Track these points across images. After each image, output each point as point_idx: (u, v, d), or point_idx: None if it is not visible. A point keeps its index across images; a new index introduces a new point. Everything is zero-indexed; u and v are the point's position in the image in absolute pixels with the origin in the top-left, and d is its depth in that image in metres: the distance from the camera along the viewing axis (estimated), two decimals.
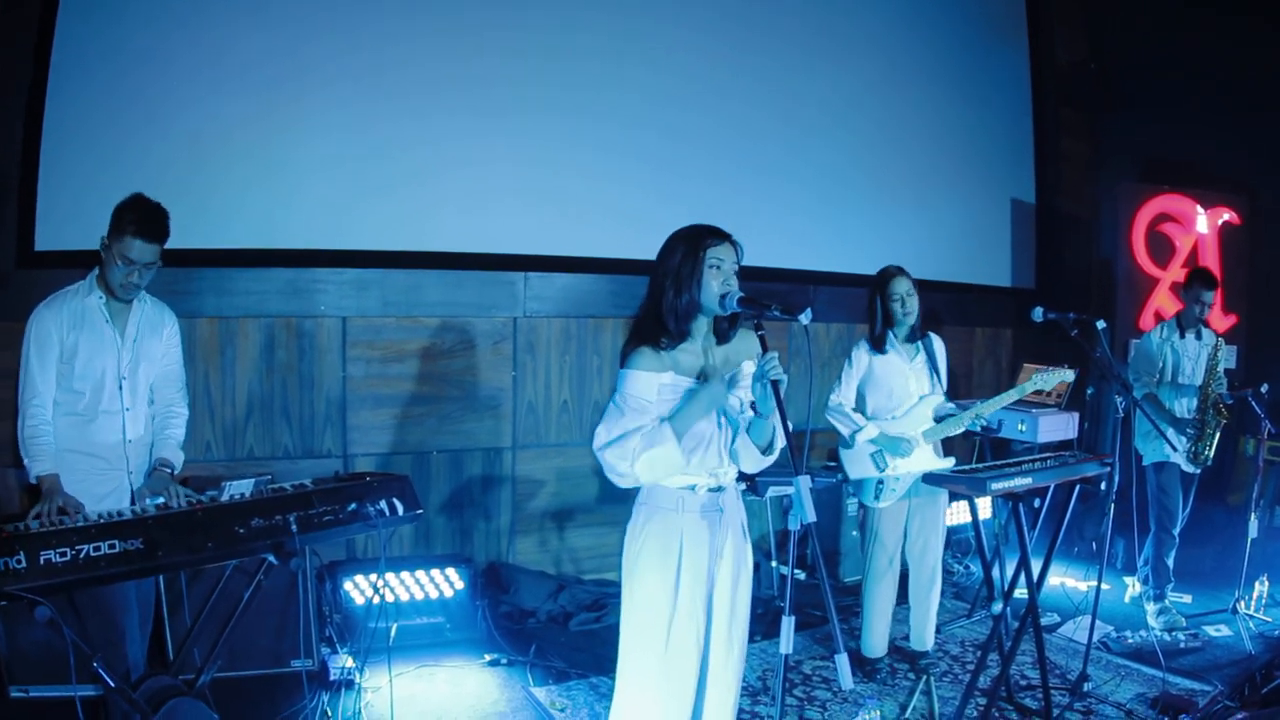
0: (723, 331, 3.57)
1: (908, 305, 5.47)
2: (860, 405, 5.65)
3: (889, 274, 5.55)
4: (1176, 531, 6.77)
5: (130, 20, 5.62)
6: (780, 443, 3.53)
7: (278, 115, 6.02)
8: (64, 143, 5.47)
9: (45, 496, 4.05)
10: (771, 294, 3.44)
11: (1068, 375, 5.52)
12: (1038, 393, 6.05)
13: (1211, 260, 8.80)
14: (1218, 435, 6.62)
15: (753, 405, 3.48)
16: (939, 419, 5.56)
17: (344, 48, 6.18)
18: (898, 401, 5.56)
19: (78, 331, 4.25)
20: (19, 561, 3.29)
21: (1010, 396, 5.59)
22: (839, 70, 8.12)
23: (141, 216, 4.20)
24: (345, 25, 6.19)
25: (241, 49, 5.90)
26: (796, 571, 3.19)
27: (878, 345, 5.56)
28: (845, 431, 5.56)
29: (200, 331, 5.94)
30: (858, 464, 5.59)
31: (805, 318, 3.23)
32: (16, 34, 5.43)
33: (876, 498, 5.57)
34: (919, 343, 5.62)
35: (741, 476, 3.72)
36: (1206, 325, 6.91)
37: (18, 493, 5.44)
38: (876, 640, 5.72)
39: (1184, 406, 6.74)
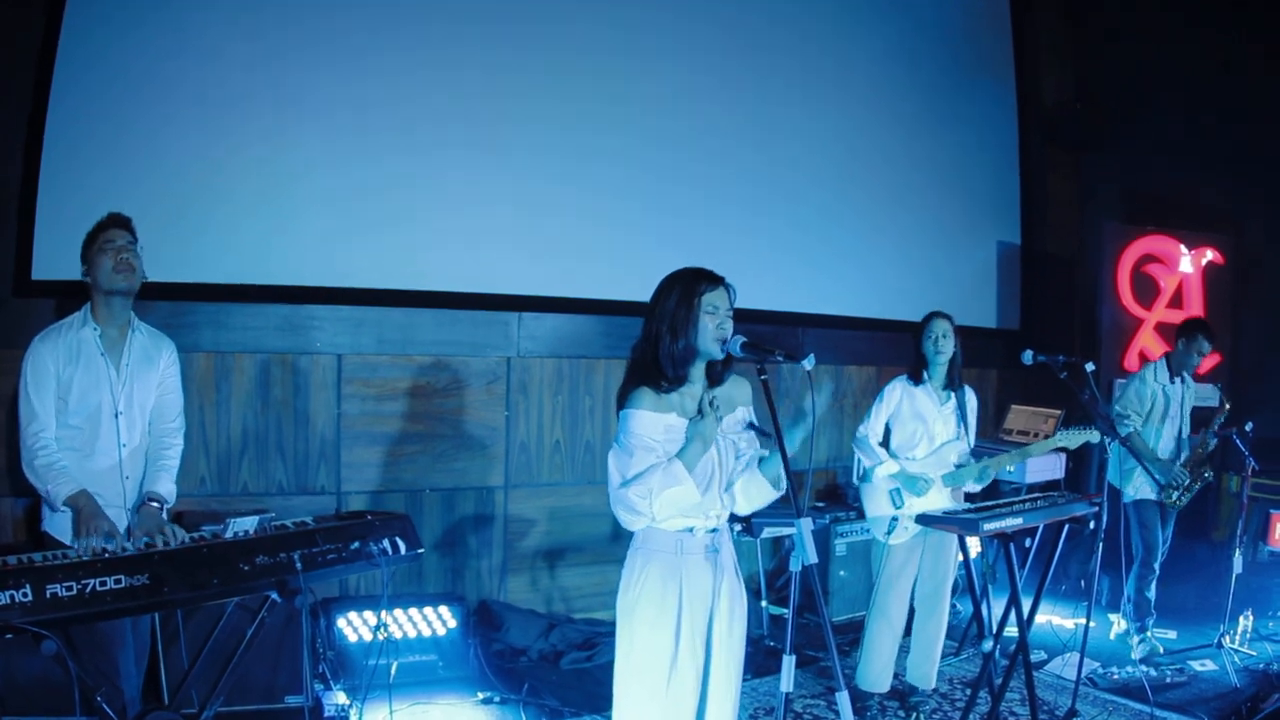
0: (716, 375, 3.60)
1: (940, 346, 5.60)
2: (886, 441, 5.73)
3: (930, 315, 5.72)
4: (1157, 564, 6.85)
5: (125, 54, 5.68)
6: (785, 478, 3.57)
7: (272, 147, 6.08)
8: (61, 173, 5.52)
9: (83, 518, 4.03)
10: (760, 336, 3.49)
11: (1093, 436, 5.57)
12: (1023, 433, 6.13)
13: (1196, 300, 8.94)
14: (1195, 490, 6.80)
15: (759, 429, 3.55)
16: (960, 466, 5.63)
17: (338, 81, 6.25)
18: (919, 440, 5.65)
19: (73, 365, 4.24)
20: (25, 594, 3.28)
21: (1035, 451, 5.71)
22: (828, 111, 8.23)
23: (108, 215, 4.35)
24: (341, 59, 6.26)
25: (234, 81, 5.96)
26: (780, 610, 3.24)
27: (914, 378, 5.69)
28: (866, 463, 5.65)
29: (197, 366, 5.95)
30: (875, 500, 5.67)
31: (809, 363, 3.28)
32: (17, 66, 5.50)
33: (889, 534, 5.62)
34: (952, 391, 5.70)
35: (734, 518, 3.76)
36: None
37: (10, 522, 5.43)
38: (875, 675, 5.73)
39: (1167, 448, 6.87)
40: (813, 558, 3.17)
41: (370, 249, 6.33)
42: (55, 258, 5.30)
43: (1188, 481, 6.74)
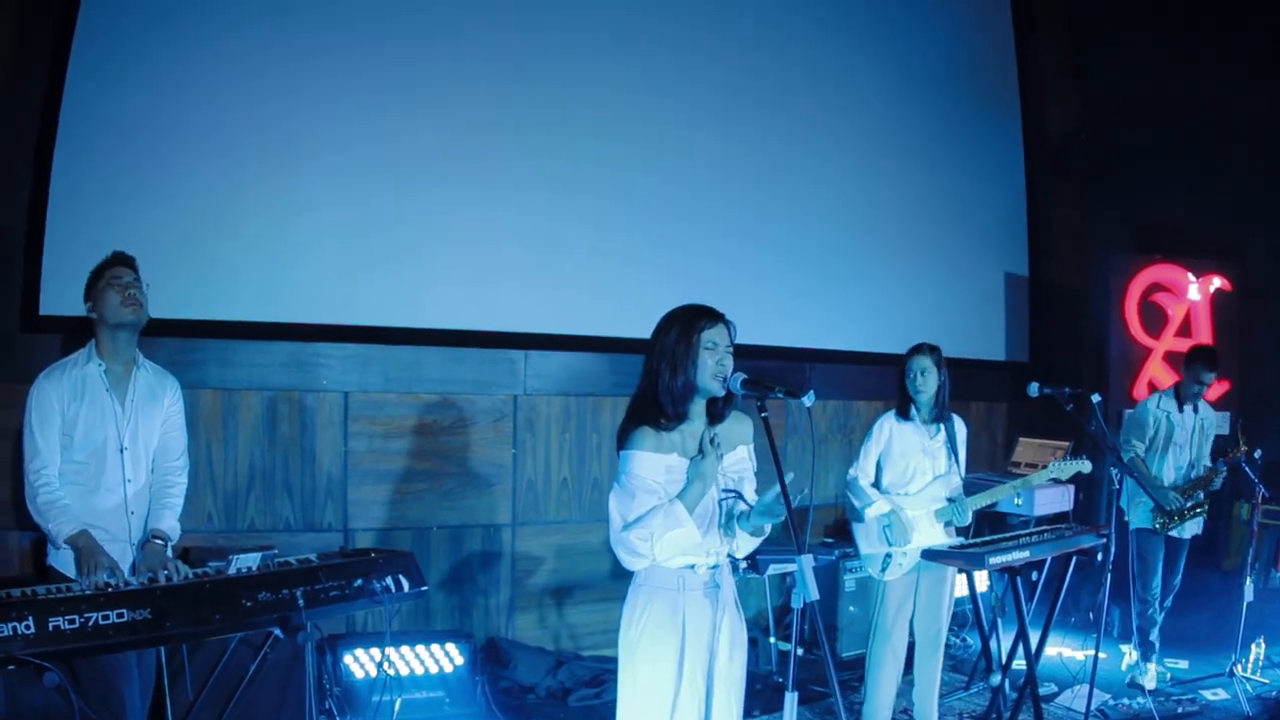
0: (717, 411, 3.61)
1: (919, 384, 5.57)
2: (878, 478, 5.72)
3: (912, 350, 5.69)
4: (1150, 596, 6.87)
5: (129, 92, 5.75)
6: (768, 525, 3.59)
7: (276, 185, 6.13)
8: (68, 210, 5.58)
9: (85, 556, 4.06)
10: (767, 372, 3.51)
11: (1085, 466, 5.59)
12: (1031, 465, 6.13)
13: (1204, 327, 8.92)
14: (1193, 519, 6.79)
15: (739, 495, 3.58)
16: (951, 500, 5.62)
17: (342, 118, 6.29)
18: (911, 475, 5.63)
19: (78, 402, 4.28)
20: (28, 627, 3.31)
21: (1029, 483, 5.71)
22: (835, 146, 8.27)
23: (113, 254, 4.41)
24: (344, 96, 6.31)
25: (238, 119, 6.01)
26: (789, 647, 3.25)
27: (901, 413, 5.68)
28: (857, 504, 5.63)
29: (203, 402, 5.98)
30: (868, 538, 5.65)
31: (808, 400, 3.30)
32: (23, 104, 5.58)
33: (883, 570, 5.60)
34: (940, 423, 5.70)
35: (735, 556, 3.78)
36: (1204, 400, 7.02)
37: (17, 555, 5.45)
38: (880, 710, 5.69)
39: (1171, 474, 6.88)
40: (814, 594, 3.18)
41: (376, 286, 6.37)
42: (62, 294, 5.34)
43: (1181, 505, 6.73)
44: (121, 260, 4.40)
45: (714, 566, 3.60)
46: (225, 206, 5.98)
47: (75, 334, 4.57)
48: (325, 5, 6.29)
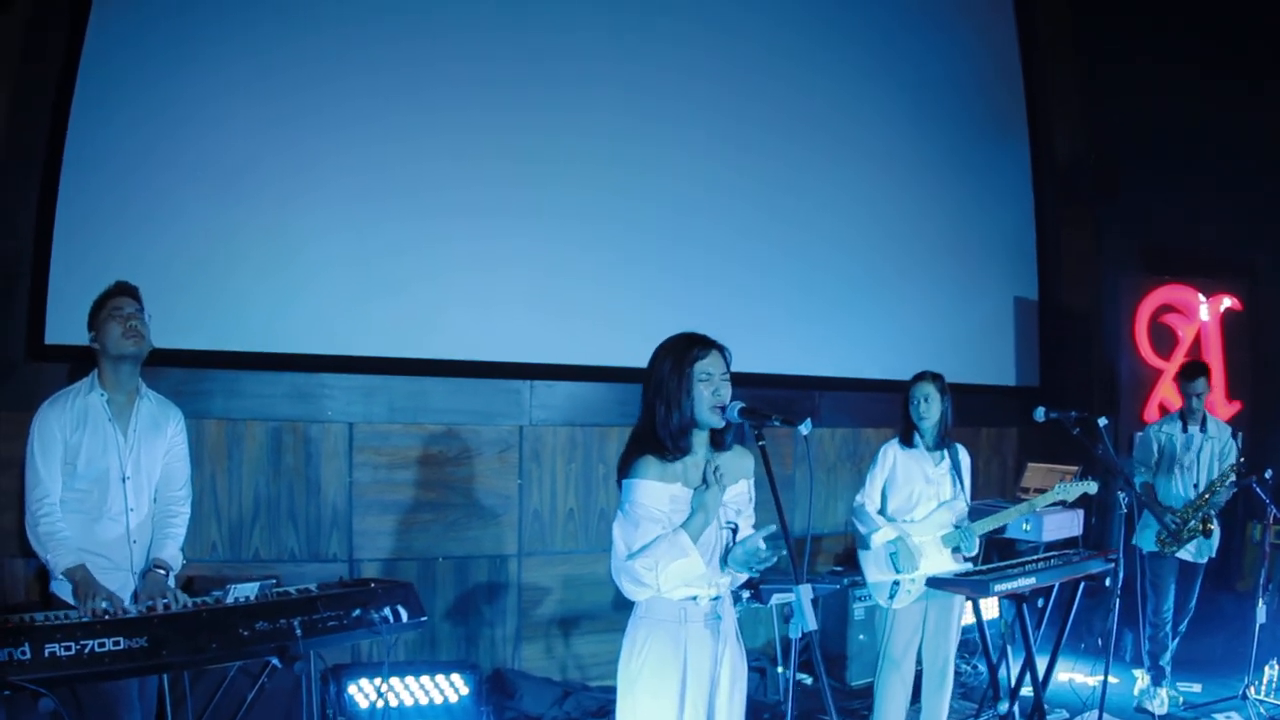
0: (720, 440, 3.59)
1: (922, 410, 5.58)
2: (883, 505, 5.70)
3: (915, 377, 5.69)
4: (1160, 620, 6.82)
5: (134, 122, 5.80)
6: (761, 560, 3.55)
7: (280, 214, 6.17)
8: (73, 240, 5.63)
9: (81, 589, 4.06)
10: (774, 401, 3.50)
11: (1090, 487, 5.58)
12: (1040, 490, 6.10)
13: (1214, 347, 8.90)
14: (1196, 540, 6.74)
15: (733, 531, 3.57)
16: (958, 526, 5.59)
17: (345, 148, 6.33)
18: (917, 502, 5.61)
19: (81, 431, 4.30)
20: (24, 653, 3.35)
21: (1033, 506, 5.67)
22: (842, 173, 8.27)
23: (115, 284, 4.43)
24: (347, 125, 6.35)
25: (242, 149, 6.06)
26: (802, 676, 3.24)
27: (905, 441, 5.66)
28: (863, 531, 5.61)
29: (208, 432, 6.00)
30: (876, 565, 5.62)
31: (805, 428, 3.28)
32: (30, 132, 5.64)
33: (891, 598, 5.57)
34: (944, 450, 5.68)
35: (742, 584, 3.76)
36: (1212, 415, 7.02)
37: (23, 582, 5.47)
38: None
39: (1178, 496, 6.86)
40: (812, 624, 3.17)
41: (380, 316, 6.39)
42: (68, 323, 5.34)
43: (1186, 524, 6.69)
44: (123, 290, 4.43)
45: (715, 598, 3.58)
46: (230, 236, 6.02)
47: (82, 363, 4.60)
48: (331, 34, 6.33)
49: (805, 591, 3.18)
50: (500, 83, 6.81)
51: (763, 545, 3.49)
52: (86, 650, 3.47)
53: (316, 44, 6.30)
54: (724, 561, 3.58)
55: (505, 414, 6.91)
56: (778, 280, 7.86)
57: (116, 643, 3.54)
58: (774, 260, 7.86)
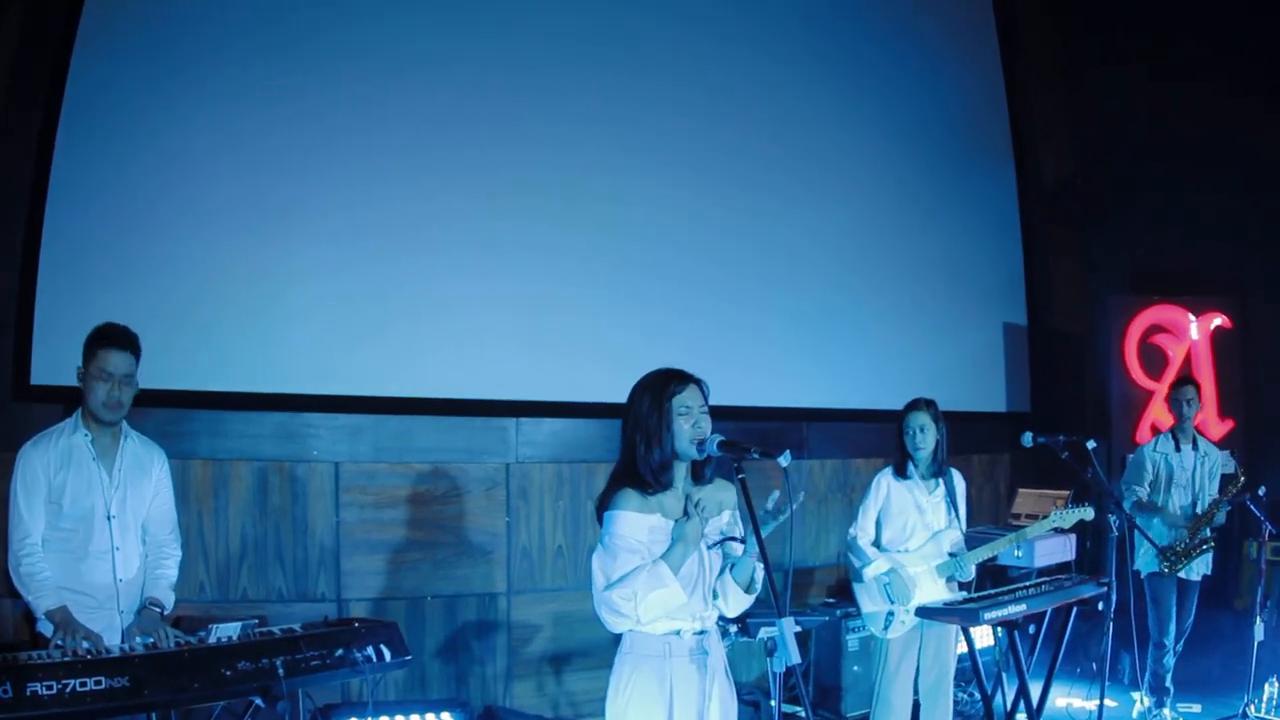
0: (700, 474, 3.60)
1: (917, 440, 5.58)
2: (878, 536, 5.68)
3: (909, 406, 5.69)
4: (1167, 640, 6.81)
5: (120, 161, 5.80)
6: (760, 581, 3.57)
7: (265, 255, 6.17)
8: (58, 280, 5.61)
9: (62, 630, 4.07)
10: (762, 434, 3.50)
11: (1087, 513, 5.57)
12: (1031, 516, 6.10)
13: (1205, 366, 8.93)
14: (1199, 557, 6.74)
15: (737, 540, 3.53)
16: (953, 554, 5.57)
17: (328, 187, 6.33)
18: (911, 532, 5.60)
19: (65, 471, 4.31)
20: (5, 692, 3.33)
21: (1023, 535, 5.66)
22: (828, 203, 8.31)
23: (112, 331, 4.37)
24: (332, 165, 6.35)
25: (226, 190, 6.05)
26: (794, 709, 3.23)
27: (899, 471, 5.64)
28: (857, 565, 5.60)
29: (194, 473, 5.97)
30: (870, 597, 5.60)
31: (784, 460, 3.28)
32: (14, 171, 5.64)
33: (886, 628, 5.55)
34: (939, 478, 5.66)
35: (726, 619, 3.75)
36: (1202, 434, 7.03)
37: (11, 622, 5.43)
38: None
39: (1175, 516, 6.85)
40: (795, 658, 3.15)
41: (365, 356, 6.38)
42: (53, 363, 5.34)
43: (1187, 545, 6.69)
44: (118, 343, 4.36)
45: (700, 632, 3.56)
46: (215, 277, 6.01)
47: (73, 404, 4.58)
48: (315, 75, 6.35)
49: (788, 624, 3.17)
50: (484, 120, 6.83)
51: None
52: (68, 690, 3.45)
53: (301, 86, 6.31)
54: (738, 568, 3.57)
55: (491, 451, 6.88)
56: (765, 312, 7.86)
57: (98, 682, 3.52)
58: (761, 292, 7.86)
